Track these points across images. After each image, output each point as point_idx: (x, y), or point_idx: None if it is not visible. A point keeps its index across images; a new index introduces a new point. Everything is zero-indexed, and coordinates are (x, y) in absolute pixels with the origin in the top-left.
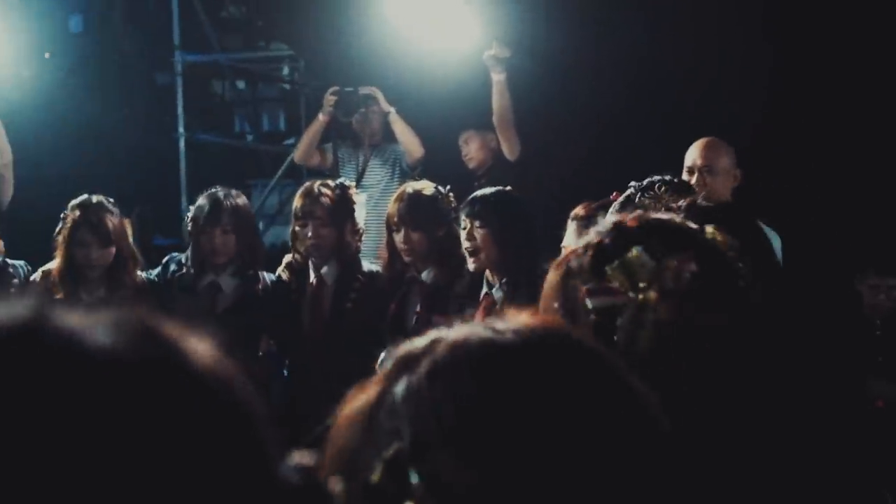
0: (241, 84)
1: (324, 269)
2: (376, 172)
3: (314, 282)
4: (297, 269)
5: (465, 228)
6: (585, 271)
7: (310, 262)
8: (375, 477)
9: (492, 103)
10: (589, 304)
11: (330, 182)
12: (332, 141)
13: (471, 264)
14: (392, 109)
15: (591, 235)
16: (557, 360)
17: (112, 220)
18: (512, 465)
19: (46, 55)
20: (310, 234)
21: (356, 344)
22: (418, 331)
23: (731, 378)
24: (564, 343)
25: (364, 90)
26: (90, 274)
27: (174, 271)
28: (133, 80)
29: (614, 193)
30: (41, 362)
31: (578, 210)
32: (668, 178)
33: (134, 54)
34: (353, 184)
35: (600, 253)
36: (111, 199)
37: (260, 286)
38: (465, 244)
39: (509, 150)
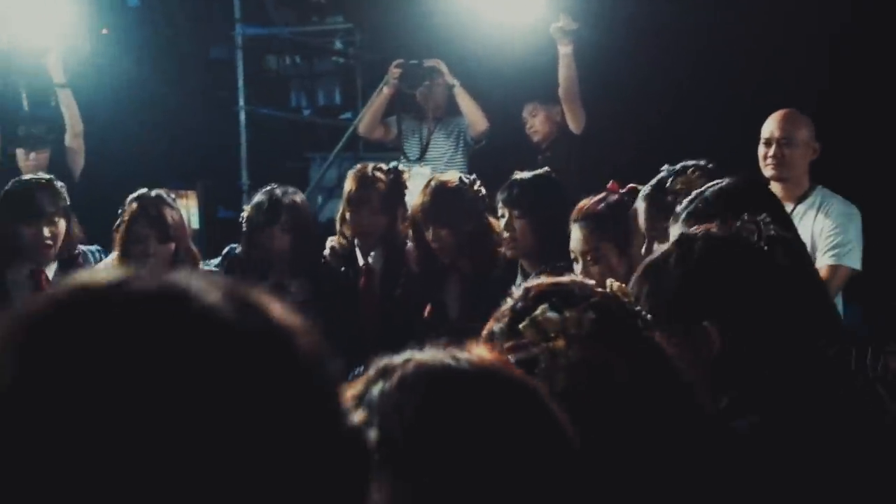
0: (296, 58)
1: (371, 256)
2: (440, 145)
3: (363, 269)
4: (343, 254)
5: (502, 216)
6: (505, 332)
7: (356, 248)
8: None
9: (558, 76)
10: (511, 359)
11: (383, 166)
12: (396, 114)
13: (507, 250)
14: (457, 82)
15: (508, 303)
16: (494, 388)
17: (172, 215)
18: (445, 467)
19: (104, 31)
20: (362, 220)
21: (406, 331)
22: (461, 321)
23: (632, 408)
24: (502, 375)
25: (429, 62)
26: None
27: (234, 263)
28: (188, 54)
29: (611, 183)
30: (189, 327)
31: (579, 207)
32: (702, 163)
33: (189, 29)
34: (410, 165)
35: (515, 315)
36: (172, 195)
37: (326, 284)
38: (504, 234)
39: (574, 124)
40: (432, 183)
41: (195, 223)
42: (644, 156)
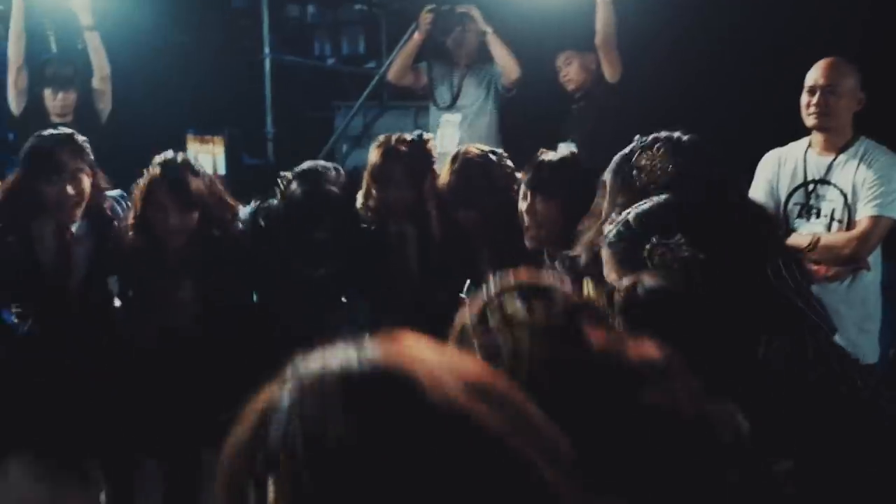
0: (320, 7)
1: (404, 226)
2: (471, 93)
3: (395, 237)
4: (372, 222)
5: (525, 199)
6: (475, 321)
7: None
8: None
9: (593, 23)
10: (476, 346)
11: (407, 136)
12: (427, 60)
13: (528, 240)
14: (489, 29)
15: (483, 291)
16: (387, 392)
17: (195, 182)
18: (335, 478)
19: None
20: (388, 196)
21: (445, 293)
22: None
23: (590, 403)
24: (398, 378)
25: (461, 8)
26: (172, 241)
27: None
28: (210, 2)
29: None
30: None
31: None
32: (675, 135)
33: None
34: (440, 112)
35: (485, 304)
36: (197, 156)
37: (356, 239)
38: (525, 218)
39: (610, 72)
40: (459, 159)
41: (221, 169)
42: (683, 105)
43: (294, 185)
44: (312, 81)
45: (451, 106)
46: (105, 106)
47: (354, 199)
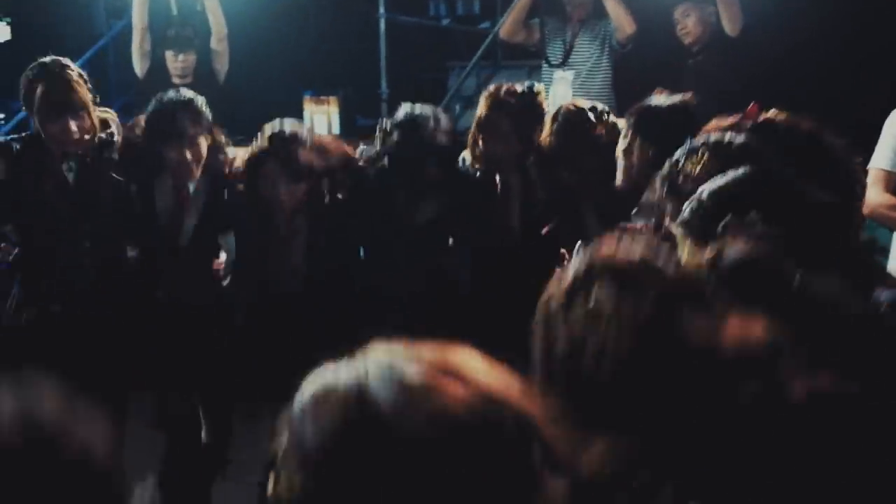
0: None
1: (509, 178)
2: (584, 49)
3: (501, 187)
4: (478, 171)
5: (624, 138)
6: (561, 303)
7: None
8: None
9: None
10: (563, 332)
11: (517, 88)
12: (539, 16)
13: (619, 182)
14: None
15: (571, 269)
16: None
17: (304, 155)
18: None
19: None
20: (494, 147)
21: (546, 250)
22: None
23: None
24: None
25: None
26: (281, 209)
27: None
28: None
29: (752, 105)
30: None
31: (705, 129)
32: (724, 139)
33: None
34: (552, 69)
35: (574, 285)
36: (311, 120)
37: (459, 195)
38: (621, 157)
39: (731, 26)
40: (559, 118)
41: (336, 129)
42: (805, 60)
43: (394, 135)
44: (427, 42)
45: (564, 63)
46: (222, 67)
47: (459, 145)
